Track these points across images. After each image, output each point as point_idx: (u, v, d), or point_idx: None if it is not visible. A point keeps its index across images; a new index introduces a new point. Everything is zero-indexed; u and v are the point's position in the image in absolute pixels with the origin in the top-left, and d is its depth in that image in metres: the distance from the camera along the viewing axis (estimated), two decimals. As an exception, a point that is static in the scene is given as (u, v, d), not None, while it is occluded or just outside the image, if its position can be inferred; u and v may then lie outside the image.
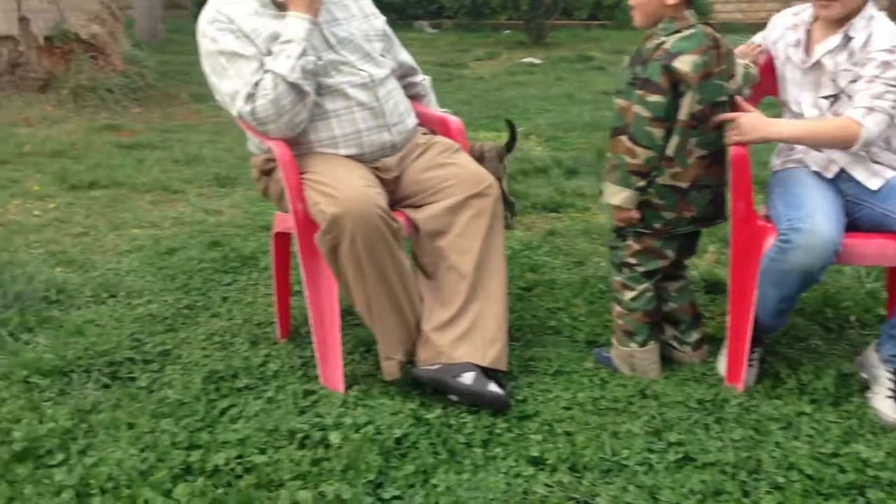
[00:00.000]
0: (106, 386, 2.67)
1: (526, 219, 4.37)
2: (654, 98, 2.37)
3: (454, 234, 2.59)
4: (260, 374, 2.71)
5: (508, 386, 2.55)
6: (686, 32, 2.41)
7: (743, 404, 2.50)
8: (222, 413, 2.48)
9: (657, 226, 2.56)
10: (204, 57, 2.70)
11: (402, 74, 2.95)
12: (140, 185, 5.10)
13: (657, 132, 2.41)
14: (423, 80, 3.07)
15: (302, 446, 2.29)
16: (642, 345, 2.66)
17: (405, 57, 2.99)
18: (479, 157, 4.41)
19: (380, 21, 2.88)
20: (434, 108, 3.08)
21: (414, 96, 3.00)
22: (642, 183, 2.48)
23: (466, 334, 2.50)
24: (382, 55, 2.81)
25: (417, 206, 2.68)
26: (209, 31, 2.65)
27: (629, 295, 2.66)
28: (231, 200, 4.84)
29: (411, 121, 2.84)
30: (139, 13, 11.37)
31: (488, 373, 2.49)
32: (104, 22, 7.43)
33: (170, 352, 2.91)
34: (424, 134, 2.88)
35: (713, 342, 2.84)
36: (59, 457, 2.24)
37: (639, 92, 2.40)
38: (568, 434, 2.35)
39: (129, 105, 7.13)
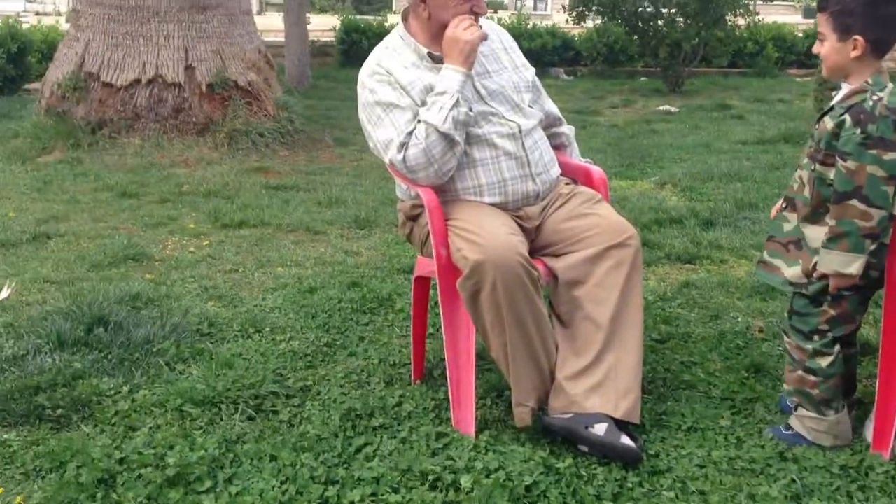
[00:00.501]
0: (251, 418, 2.82)
1: (660, 269, 4.31)
2: (891, 156, 2.27)
3: (592, 284, 2.60)
4: (394, 414, 2.79)
5: (640, 439, 2.53)
6: (891, 86, 2.34)
7: (889, 473, 2.38)
8: (358, 451, 2.57)
9: (861, 284, 2.41)
10: (361, 107, 2.84)
11: (548, 125, 3.02)
12: (285, 224, 5.36)
13: (891, 191, 2.29)
14: (567, 130, 3.13)
15: (433, 488, 2.34)
16: (839, 410, 2.55)
17: (551, 107, 3.06)
18: None
19: (530, 73, 2.97)
20: (577, 158, 3.12)
21: (557, 146, 3.06)
22: (874, 246, 2.35)
23: (600, 385, 2.50)
24: (530, 106, 2.89)
25: (557, 255, 2.71)
26: (368, 83, 2.80)
27: (825, 361, 2.50)
28: (369, 242, 5.01)
29: (555, 171, 2.89)
30: (289, 61, 11.99)
31: (620, 425, 2.48)
32: (260, 70, 7.91)
33: (310, 388, 3.04)
34: (567, 184, 2.93)
35: (860, 406, 2.72)
36: (208, 484, 2.38)
37: (873, 152, 2.27)
38: (702, 493, 2.30)
39: (278, 148, 7.53)
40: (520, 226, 2.74)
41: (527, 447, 2.53)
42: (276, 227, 5.31)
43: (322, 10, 26.62)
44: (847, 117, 2.31)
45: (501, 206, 2.76)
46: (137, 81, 7.39)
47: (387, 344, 3.45)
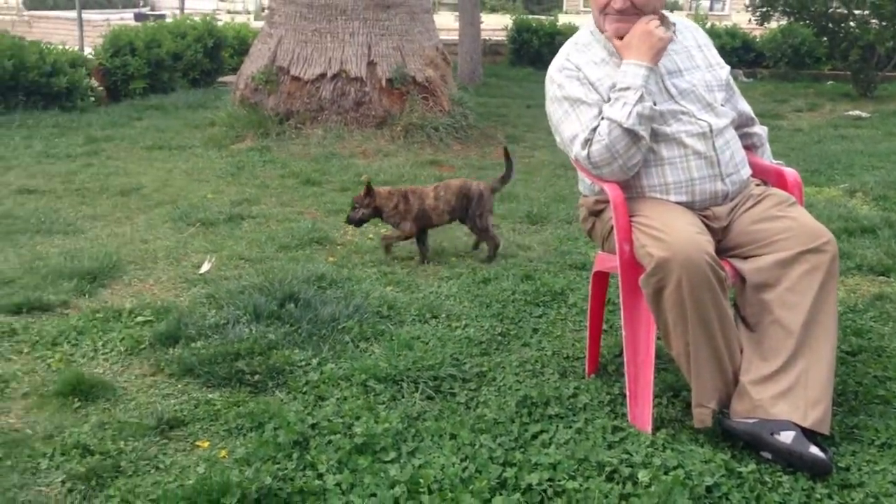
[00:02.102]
0: (430, 397, 2.93)
1: (850, 280, 4.10)
2: None
3: (783, 288, 2.53)
4: (570, 405, 2.81)
5: (829, 451, 2.43)
6: None
7: None
8: (534, 437, 2.61)
9: None
10: (549, 101, 2.89)
11: (740, 124, 2.95)
12: (458, 217, 5.47)
13: None
14: (760, 130, 3.05)
15: (610, 479, 2.35)
16: None
17: (744, 107, 2.99)
18: (479, 196, 4.57)
19: (724, 71, 2.91)
20: (769, 160, 3.03)
21: (749, 146, 2.99)
22: None
23: (789, 391, 2.43)
24: (723, 105, 2.84)
25: (745, 257, 2.65)
26: (557, 78, 2.84)
27: None
28: (541, 237, 5.05)
29: (745, 171, 2.83)
30: (462, 58, 12.20)
31: (808, 434, 2.39)
32: (437, 66, 8.11)
33: (485, 373, 3.12)
34: (758, 185, 2.85)
35: None
36: (392, 454, 2.50)
37: None
38: (897, 512, 2.19)
39: (451, 143, 7.70)
40: (706, 226, 2.69)
41: (706, 448, 2.50)
42: (451, 219, 5.43)
43: (493, 10, 26.89)
44: None
45: (688, 206, 2.73)
46: (323, 76, 7.76)
47: (560, 337, 3.48)
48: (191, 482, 2.30)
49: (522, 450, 2.52)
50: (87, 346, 3.32)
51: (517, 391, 2.93)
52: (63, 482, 2.37)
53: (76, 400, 2.87)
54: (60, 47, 9.26)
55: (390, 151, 7.40)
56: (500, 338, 3.48)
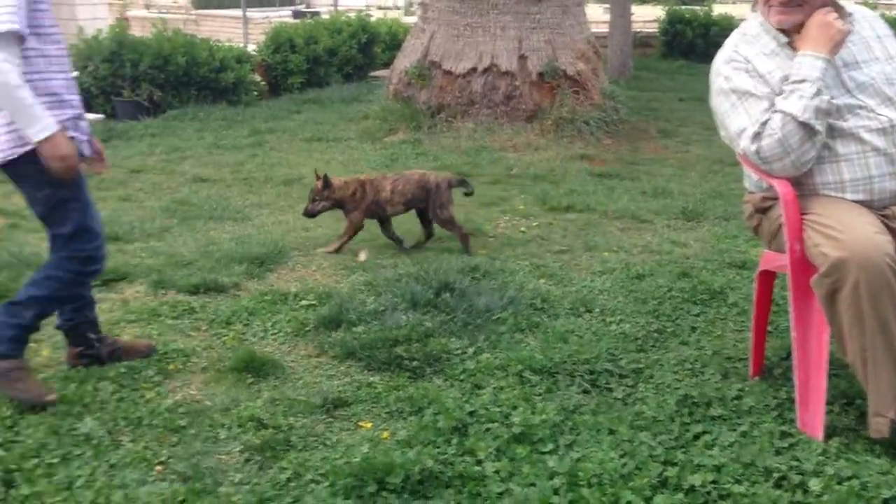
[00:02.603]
0: (586, 391, 2.92)
1: None
2: None
3: (970, 293, 2.36)
4: (734, 407, 2.74)
5: None
6: None
7: None
8: (696, 437, 2.56)
9: None
10: (715, 94, 2.81)
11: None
12: (610, 212, 5.42)
13: None
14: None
15: (778, 486, 2.28)
16: None
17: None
18: (436, 188, 4.55)
19: None
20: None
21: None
22: None
23: (978, 403, 2.28)
24: (904, 98, 2.68)
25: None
26: (724, 70, 2.76)
27: None
28: (697, 234, 4.92)
29: (932, 170, 2.66)
30: (612, 51, 12.01)
31: None
32: (588, 60, 8.03)
33: (642, 370, 3.08)
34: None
35: None
36: (550, 446, 2.51)
37: None
38: None
39: (602, 137, 7.61)
40: (885, 225, 2.55)
41: (883, 459, 2.37)
42: (602, 214, 5.39)
43: (644, 1, 26.26)
44: None
45: (866, 204, 2.59)
46: (474, 70, 7.83)
47: (720, 336, 3.39)
48: (357, 460, 2.40)
49: (684, 450, 2.48)
50: (258, 326, 3.50)
51: (676, 390, 2.87)
52: (241, 452, 2.52)
53: (249, 376, 3.04)
54: (227, 44, 9.78)
55: (540, 146, 7.39)
56: (656, 335, 3.43)
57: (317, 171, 4.70)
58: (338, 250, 4.54)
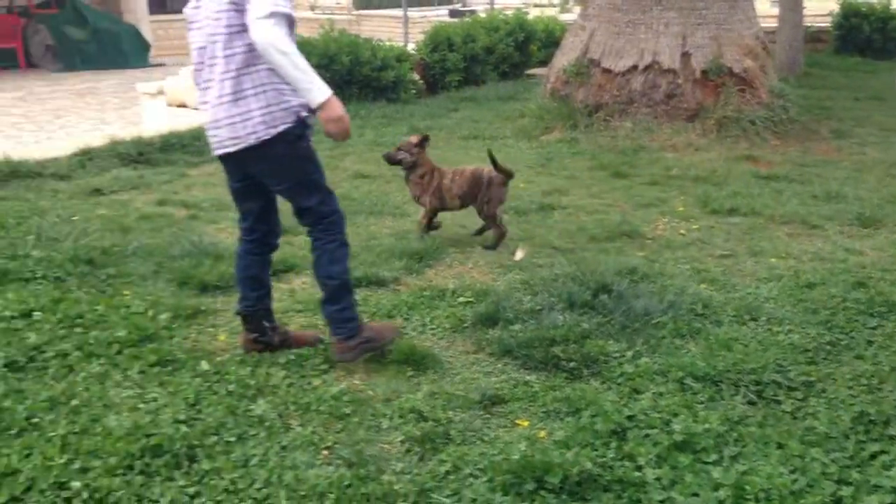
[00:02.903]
0: (752, 402, 2.82)
1: None
2: None
3: None
4: (917, 428, 2.57)
5: None
6: None
7: None
8: (873, 457, 2.43)
9: None
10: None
11: None
12: (777, 216, 5.18)
13: None
14: None
15: (967, 515, 2.12)
16: None
17: None
18: (489, 183, 4.61)
19: None
20: None
21: None
22: None
23: None
24: None
25: None
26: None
27: None
28: (875, 242, 4.63)
29: None
30: (780, 47, 11.47)
31: None
32: (756, 56, 7.71)
33: (813, 384, 2.94)
34: None
35: None
36: (714, 456, 2.44)
37: None
38: None
39: (769, 137, 7.28)
40: None
41: None
42: (768, 218, 5.17)
43: (815, -6, 24.90)
44: None
45: None
46: (634, 68, 7.69)
47: (901, 352, 3.18)
48: (515, 457, 2.41)
49: (859, 469, 2.35)
50: (417, 320, 3.59)
51: (851, 406, 2.73)
52: (401, 442, 2.60)
53: (409, 369, 3.12)
54: (388, 44, 10.03)
55: (701, 146, 7.16)
56: (828, 347, 3.26)
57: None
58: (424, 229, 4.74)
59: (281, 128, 2.90)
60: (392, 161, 4.77)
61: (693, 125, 7.44)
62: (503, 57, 11.79)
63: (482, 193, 4.64)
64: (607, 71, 7.78)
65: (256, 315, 3.23)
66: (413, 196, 4.80)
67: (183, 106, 8.58)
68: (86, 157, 6.39)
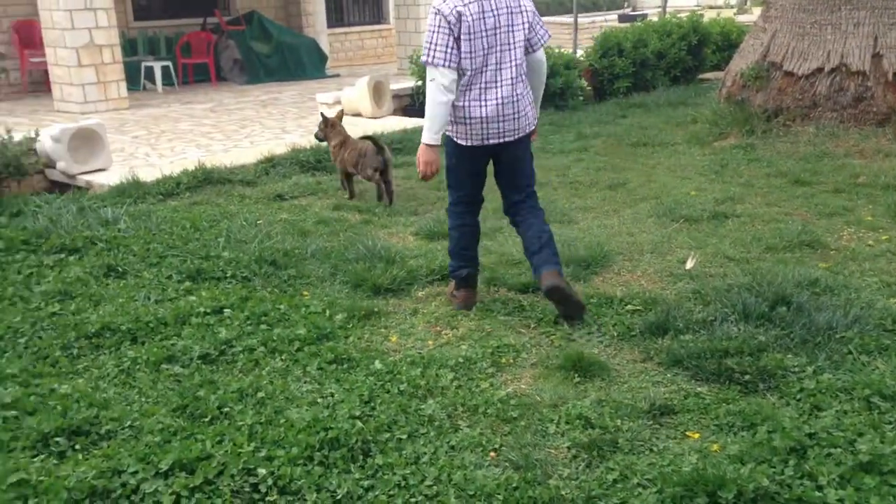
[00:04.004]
0: (948, 426, 2.62)
1: None
2: None
3: None
4: None
5: None
6: None
7: None
8: None
9: None
10: None
11: None
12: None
13: None
14: None
15: None
16: None
17: None
18: (363, 154, 5.82)
19: None
20: None
21: None
22: None
23: None
24: None
25: None
26: None
27: None
28: None
29: None
30: None
31: None
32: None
33: None
34: None
35: None
36: (904, 481, 2.29)
37: None
38: None
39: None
40: None
41: None
42: (969, 229, 4.77)
43: None
44: None
45: None
46: (819, 70, 7.29)
47: None
48: (686, 470, 2.36)
49: None
50: (584, 327, 3.58)
51: None
52: (568, 448, 2.60)
53: (576, 375, 3.12)
54: (556, 51, 10.03)
55: (892, 151, 6.69)
56: None
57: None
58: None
59: (535, 123, 3.77)
60: (320, 139, 6.30)
61: (883, 130, 6.97)
62: (675, 61, 11.51)
63: (361, 162, 5.84)
64: (789, 74, 7.43)
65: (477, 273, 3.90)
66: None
67: (358, 115, 8.93)
68: (269, 165, 6.78)
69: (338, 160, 6.03)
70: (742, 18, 15.56)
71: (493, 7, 3.53)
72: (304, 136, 8.18)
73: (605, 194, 5.97)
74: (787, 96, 7.40)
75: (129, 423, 2.81)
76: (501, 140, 3.63)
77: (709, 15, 14.23)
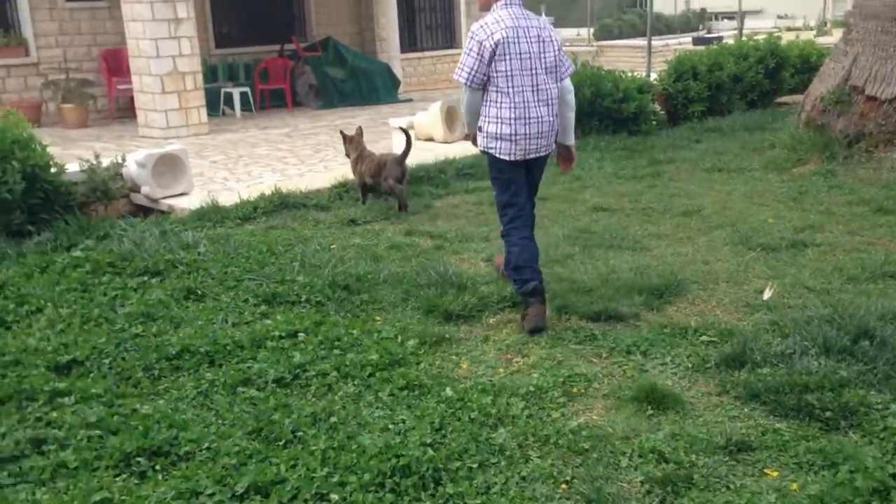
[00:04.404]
0: None
1: None
2: None
3: None
4: None
5: None
6: None
7: None
8: None
9: None
10: None
11: None
12: None
13: None
14: None
15: None
16: None
17: None
18: (382, 164, 6.31)
19: None
20: None
21: None
22: None
23: None
24: None
25: None
26: None
27: None
28: None
29: None
30: None
31: None
32: None
33: None
34: None
35: None
36: None
37: None
38: None
39: None
40: None
41: None
42: None
43: None
44: None
45: None
46: (902, 94, 7.09)
47: None
48: (764, 509, 2.31)
49: None
50: (657, 358, 3.53)
51: None
52: (641, 482, 2.57)
53: (649, 407, 3.08)
54: (630, 74, 9.97)
55: None
56: None
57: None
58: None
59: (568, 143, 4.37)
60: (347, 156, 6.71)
61: None
62: (752, 85, 11.30)
63: (382, 172, 6.31)
64: (872, 98, 7.23)
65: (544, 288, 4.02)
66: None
67: (430, 140, 9.01)
68: (343, 189, 6.89)
69: (356, 172, 6.55)
70: (822, 40, 15.21)
71: (526, 35, 4.02)
72: (377, 160, 8.28)
73: (678, 221, 5.89)
74: (870, 121, 7.21)
75: (206, 444, 2.88)
76: (534, 155, 4.12)
77: (787, 37, 13.97)
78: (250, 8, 14.19)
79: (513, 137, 4.01)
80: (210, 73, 12.85)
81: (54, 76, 11.90)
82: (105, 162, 6.59)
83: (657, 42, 20.06)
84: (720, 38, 17.32)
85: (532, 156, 4.09)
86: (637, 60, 20.00)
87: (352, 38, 15.29)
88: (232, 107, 12.51)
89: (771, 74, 11.59)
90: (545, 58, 4.06)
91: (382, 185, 6.34)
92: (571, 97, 4.24)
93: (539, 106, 4.03)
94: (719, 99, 10.88)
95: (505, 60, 3.96)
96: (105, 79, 12.22)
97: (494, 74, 3.99)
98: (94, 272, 4.77)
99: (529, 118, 4.01)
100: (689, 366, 3.44)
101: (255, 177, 7.71)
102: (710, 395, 3.19)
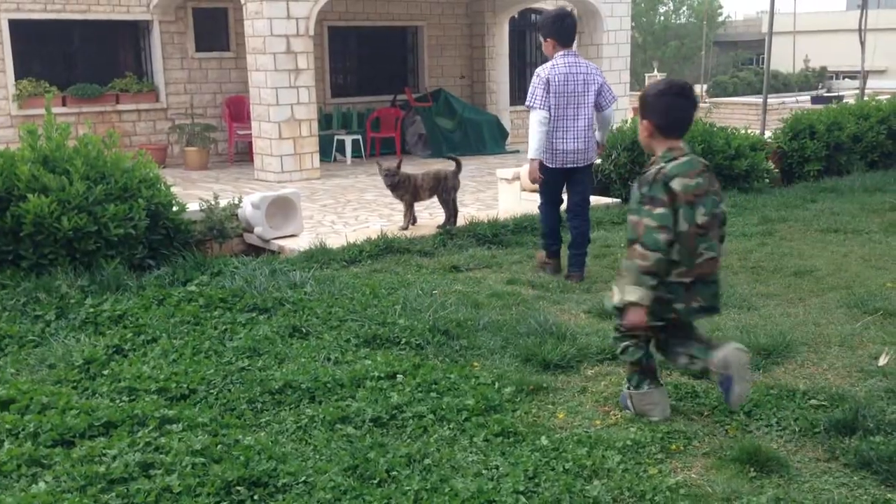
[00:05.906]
0: None
1: None
2: (659, 211, 3.12)
3: None
4: None
5: None
6: (682, 160, 3.21)
7: None
8: None
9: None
10: None
11: None
12: None
13: (662, 238, 3.11)
14: None
15: None
16: None
17: None
18: (442, 177, 7.01)
19: None
20: None
21: None
22: (653, 282, 3.15)
23: None
24: None
25: None
26: None
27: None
28: None
29: None
30: None
31: None
32: None
33: None
34: None
35: None
36: None
37: (646, 207, 3.15)
38: None
39: None
40: None
41: None
42: None
43: None
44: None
45: None
46: None
47: None
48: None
49: None
50: (762, 419, 3.41)
51: None
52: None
53: (752, 469, 2.97)
54: (743, 132, 9.78)
55: None
56: None
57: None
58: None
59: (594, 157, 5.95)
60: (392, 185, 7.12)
61: None
62: (872, 145, 10.90)
63: (442, 185, 7.00)
64: None
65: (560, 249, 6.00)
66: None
67: (535, 192, 9.05)
68: (447, 236, 6.99)
69: (409, 194, 7.08)
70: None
71: (574, 78, 5.60)
72: (480, 209, 8.38)
73: (789, 281, 5.71)
74: None
75: (303, 478, 2.95)
76: (574, 165, 5.73)
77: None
78: (367, 60, 14.69)
79: (555, 151, 5.65)
80: (325, 121, 13.33)
81: (181, 121, 12.59)
82: (222, 203, 6.90)
83: (773, 100, 19.63)
84: (840, 98, 16.79)
85: (569, 165, 5.71)
86: (751, 118, 19.58)
87: (462, 90, 15.60)
88: (343, 153, 12.91)
89: (893, 135, 11.17)
90: (588, 95, 5.64)
91: (443, 196, 6.99)
92: (610, 121, 6.01)
93: (576, 129, 5.61)
94: (837, 159, 10.54)
95: (556, 95, 5.52)
96: (227, 124, 12.84)
97: (552, 104, 5.53)
98: (206, 306, 4.98)
99: (567, 139, 5.62)
100: (797, 429, 3.31)
101: (362, 221, 7.92)
102: (817, 461, 3.06)
